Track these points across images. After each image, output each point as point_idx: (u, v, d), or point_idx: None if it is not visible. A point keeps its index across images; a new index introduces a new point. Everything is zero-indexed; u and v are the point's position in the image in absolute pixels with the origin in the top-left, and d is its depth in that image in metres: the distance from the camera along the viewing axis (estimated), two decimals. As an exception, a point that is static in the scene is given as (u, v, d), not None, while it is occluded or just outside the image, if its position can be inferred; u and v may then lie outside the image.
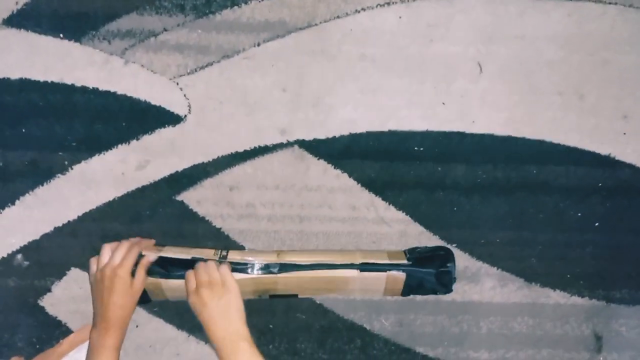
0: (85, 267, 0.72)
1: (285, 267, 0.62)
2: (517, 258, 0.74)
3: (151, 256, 0.61)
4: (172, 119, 0.73)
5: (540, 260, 0.75)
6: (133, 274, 0.59)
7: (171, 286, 0.62)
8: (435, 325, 0.74)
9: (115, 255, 0.59)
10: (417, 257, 0.64)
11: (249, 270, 0.62)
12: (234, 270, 0.61)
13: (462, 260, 0.73)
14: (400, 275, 0.62)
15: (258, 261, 0.62)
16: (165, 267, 0.62)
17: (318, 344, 0.74)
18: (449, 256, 0.65)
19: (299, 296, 0.64)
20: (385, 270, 0.62)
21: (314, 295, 0.66)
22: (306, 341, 0.74)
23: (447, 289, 0.64)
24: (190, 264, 0.61)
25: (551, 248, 0.75)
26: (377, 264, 0.62)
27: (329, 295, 0.68)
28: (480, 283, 0.74)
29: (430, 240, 0.73)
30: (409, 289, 0.63)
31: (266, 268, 0.62)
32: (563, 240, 0.75)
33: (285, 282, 0.62)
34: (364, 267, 0.62)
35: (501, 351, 0.74)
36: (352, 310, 0.73)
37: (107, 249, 0.60)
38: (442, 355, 0.73)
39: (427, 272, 0.63)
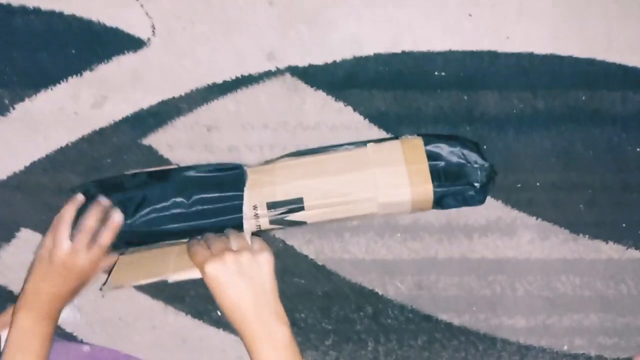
0: (37, 227, 0.68)
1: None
2: (561, 205, 0.72)
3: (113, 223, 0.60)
4: (133, 44, 0.71)
5: (590, 206, 0.73)
6: None
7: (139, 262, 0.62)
8: (461, 287, 0.74)
9: (58, 240, 0.58)
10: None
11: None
12: None
13: (495, 209, 0.73)
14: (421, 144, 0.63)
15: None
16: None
17: (321, 312, 0.74)
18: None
19: (305, 210, 0.61)
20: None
21: (324, 211, 0.62)
22: (307, 310, 0.74)
23: (485, 187, 0.63)
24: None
25: (604, 191, 0.73)
26: None
27: (344, 212, 0.62)
28: (516, 236, 0.72)
29: None
30: (441, 176, 0.62)
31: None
32: (618, 182, 0.72)
33: (286, 174, 0.62)
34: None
35: (541, 317, 0.74)
36: (361, 272, 0.74)
37: (49, 234, 0.60)
38: (470, 322, 0.72)
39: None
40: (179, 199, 0.61)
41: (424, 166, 0.62)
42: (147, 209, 0.61)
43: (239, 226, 0.61)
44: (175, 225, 0.61)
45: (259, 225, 0.62)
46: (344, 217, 0.63)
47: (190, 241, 0.58)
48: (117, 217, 0.60)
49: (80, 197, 0.62)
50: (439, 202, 0.62)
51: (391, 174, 0.61)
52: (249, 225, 0.61)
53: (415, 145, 0.63)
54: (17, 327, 0.56)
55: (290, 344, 0.49)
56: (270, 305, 0.50)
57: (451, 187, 0.62)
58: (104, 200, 0.61)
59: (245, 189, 0.61)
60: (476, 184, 0.63)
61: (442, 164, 0.63)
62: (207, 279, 0.51)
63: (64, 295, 0.58)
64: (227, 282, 0.50)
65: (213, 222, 0.61)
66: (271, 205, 0.61)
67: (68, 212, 0.60)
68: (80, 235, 0.58)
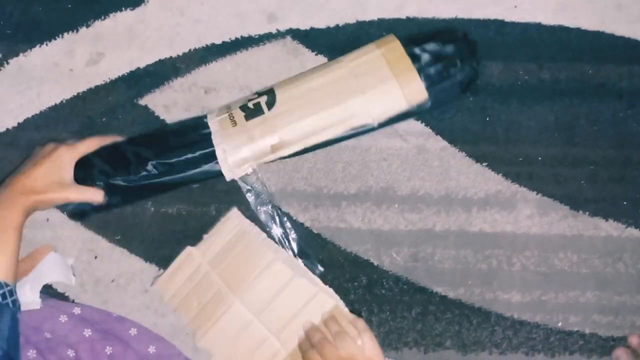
0: None
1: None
2: (562, 180, 0.73)
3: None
4: (130, 1, 0.71)
5: (592, 183, 0.73)
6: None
7: None
8: (457, 260, 0.74)
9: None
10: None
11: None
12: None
13: (494, 182, 0.73)
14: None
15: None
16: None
17: None
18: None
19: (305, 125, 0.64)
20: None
21: (322, 120, 0.65)
22: None
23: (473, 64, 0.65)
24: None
25: (606, 168, 0.73)
26: None
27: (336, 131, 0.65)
28: (515, 210, 0.73)
29: (454, 156, 0.73)
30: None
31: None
32: (622, 158, 0.73)
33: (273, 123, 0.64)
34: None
35: (537, 292, 0.74)
36: (357, 242, 0.75)
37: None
38: (465, 296, 0.73)
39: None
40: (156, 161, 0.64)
41: (413, 72, 0.63)
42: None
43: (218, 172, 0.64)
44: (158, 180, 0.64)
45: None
46: (338, 136, 0.65)
47: (301, 343, 0.61)
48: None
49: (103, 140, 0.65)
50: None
51: (383, 92, 0.63)
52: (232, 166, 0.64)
53: (397, 54, 0.64)
54: None
55: None
56: None
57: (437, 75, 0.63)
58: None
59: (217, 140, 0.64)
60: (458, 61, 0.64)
61: (424, 61, 0.63)
62: None
63: (32, 184, 0.59)
64: None
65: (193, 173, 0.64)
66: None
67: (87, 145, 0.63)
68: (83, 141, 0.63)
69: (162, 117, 0.70)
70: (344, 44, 0.70)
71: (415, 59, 0.64)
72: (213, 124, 0.65)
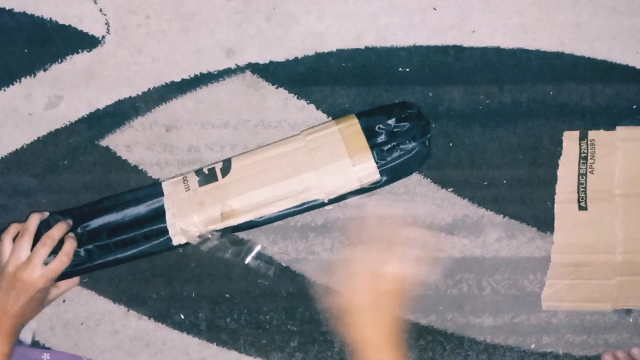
0: None
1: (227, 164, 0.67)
2: (528, 202, 0.74)
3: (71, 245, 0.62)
4: (87, 42, 0.71)
5: None
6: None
7: None
8: (427, 286, 0.75)
9: (18, 249, 0.60)
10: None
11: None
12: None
13: (461, 207, 0.74)
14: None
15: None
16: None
17: (286, 314, 0.76)
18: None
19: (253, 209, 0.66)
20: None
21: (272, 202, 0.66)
22: (272, 311, 0.76)
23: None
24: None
25: None
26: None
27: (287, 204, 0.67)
28: (483, 234, 0.74)
29: (420, 183, 0.74)
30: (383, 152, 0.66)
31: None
32: None
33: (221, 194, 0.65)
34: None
35: (508, 315, 0.76)
36: (327, 272, 0.75)
37: (7, 241, 0.61)
38: (437, 322, 0.74)
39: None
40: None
41: (366, 152, 0.64)
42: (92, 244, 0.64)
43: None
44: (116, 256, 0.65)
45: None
46: (289, 209, 0.65)
47: None
48: (73, 242, 0.62)
49: (45, 213, 0.64)
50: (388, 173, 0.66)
51: (336, 169, 0.64)
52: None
53: (353, 131, 0.65)
54: None
55: None
56: None
57: (394, 158, 0.65)
58: (68, 222, 0.63)
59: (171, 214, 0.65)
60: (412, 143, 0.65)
61: (380, 139, 0.65)
62: None
63: (17, 313, 0.59)
64: None
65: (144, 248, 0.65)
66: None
67: (33, 222, 0.62)
68: (41, 247, 0.59)
69: (123, 157, 0.71)
70: (304, 76, 0.71)
71: (370, 136, 0.65)
72: (167, 185, 0.66)
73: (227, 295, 0.73)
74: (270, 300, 0.73)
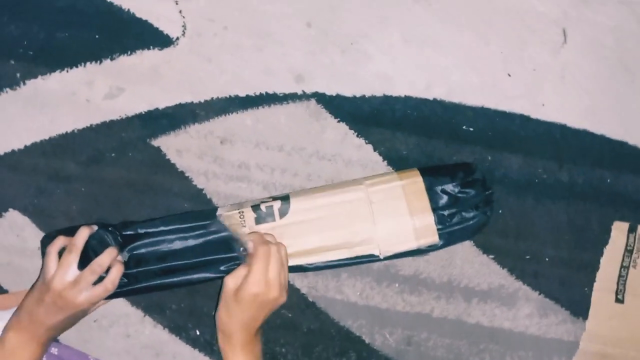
0: (26, 210, 0.71)
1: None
2: (566, 284, 0.74)
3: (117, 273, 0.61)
4: (160, 40, 0.72)
5: None
6: None
7: None
8: (450, 349, 0.74)
9: (66, 267, 0.59)
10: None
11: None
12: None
13: (498, 276, 0.74)
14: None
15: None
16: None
17: (303, 350, 0.75)
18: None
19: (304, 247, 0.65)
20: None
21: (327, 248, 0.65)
22: (289, 345, 0.74)
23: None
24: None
25: None
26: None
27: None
28: (515, 308, 0.74)
29: (462, 244, 0.73)
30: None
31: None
32: None
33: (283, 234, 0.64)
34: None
35: None
36: (351, 315, 0.75)
37: (53, 256, 0.60)
38: None
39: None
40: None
41: (428, 213, 0.64)
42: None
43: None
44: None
45: None
46: (341, 260, 0.64)
47: None
48: (120, 269, 0.61)
49: (94, 227, 0.62)
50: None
51: (395, 226, 0.64)
52: None
53: (416, 190, 0.65)
54: (5, 346, 0.57)
55: None
56: None
57: (454, 225, 0.65)
58: (116, 248, 0.62)
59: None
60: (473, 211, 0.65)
61: (442, 202, 0.65)
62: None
63: (55, 326, 0.59)
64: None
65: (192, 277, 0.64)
66: None
67: (81, 238, 0.60)
68: (89, 275, 0.59)
69: (172, 161, 0.71)
70: (367, 115, 0.71)
71: (433, 197, 0.65)
72: (222, 217, 0.65)
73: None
74: (289, 333, 0.72)
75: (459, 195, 0.65)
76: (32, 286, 0.61)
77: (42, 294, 0.58)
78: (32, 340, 0.58)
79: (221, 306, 0.59)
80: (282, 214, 0.64)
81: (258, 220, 0.64)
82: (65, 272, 0.58)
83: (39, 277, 0.61)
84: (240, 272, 0.58)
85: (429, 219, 0.64)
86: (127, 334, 0.71)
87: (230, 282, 0.58)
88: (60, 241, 0.61)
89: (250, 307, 0.58)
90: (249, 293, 0.57)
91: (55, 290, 0.58)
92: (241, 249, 0.62)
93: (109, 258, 0.60)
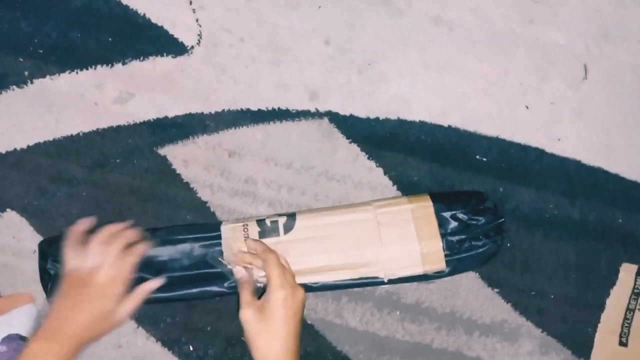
0: (25, 211, 0.68)
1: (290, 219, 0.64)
2: (570, 323, 0.73)
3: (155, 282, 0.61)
4: (175, 48, 0.71)
5: None
6: None
7: None
8: None
9: (110, 262, 0.57)
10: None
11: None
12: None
13: (502, 311, 0.73)
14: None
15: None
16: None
17: None
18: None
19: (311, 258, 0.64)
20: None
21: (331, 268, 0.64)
22: None
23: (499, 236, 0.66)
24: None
25: None
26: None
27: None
28: (517, 344, 0.73)
29: (467, 275, 0.73)
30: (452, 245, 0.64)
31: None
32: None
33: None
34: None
35: None
36: (349, 341, 0.73)
37: (96, 248, 0.58)
38: None
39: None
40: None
41: (436, 239, 0.62)
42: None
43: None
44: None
45: None
46: (345, 281, 0.63)
47: None
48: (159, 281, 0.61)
49: (129, 222, 0.62)
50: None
51: (402, 250, 0.63)
52: None
53: (426, 214, 0.63)
54: (31, 356, 0.53)
55: None
56: None
57: (461, 253, 0.63)
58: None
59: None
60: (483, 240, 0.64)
61: (451, 228, 0.63)
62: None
63: (89, 330, 0.56)
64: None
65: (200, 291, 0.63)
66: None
67: (128, 236, 0.59)
68: (130, 300, 0.58)
69: (178, 171, 0.69)
70: (380, 137, 0.71)
71: (442, 222, 0.64)
72: (226, 229, 0.64)
73: (243, 338, 0.71)
74: (285, 355, 0.72)
75: (470, 222, 0.64)
76: (60, 292, 0.57)
77: (77, 293, 0.55)
78: (63, 352, 0.53)
79: (253, 342, 0.55)
80: (287, 229, 0.63)
81: (262, 235, 0.63)
82: (109, 267, 0.56)
83: (61, 282, 0.57)
84: (245, 297, 0.57)
85: (437, 244, 0.63)
86: (118, 345, 0.70)
87: (246, 312, 0.55)
88: (104, 234, 0.59)
89: (285, 317, 0.55)
90: (277, 298, 0.55)
91: (100, 283, 0.56)
92: (227, 266, 0.62)
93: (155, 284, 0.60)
